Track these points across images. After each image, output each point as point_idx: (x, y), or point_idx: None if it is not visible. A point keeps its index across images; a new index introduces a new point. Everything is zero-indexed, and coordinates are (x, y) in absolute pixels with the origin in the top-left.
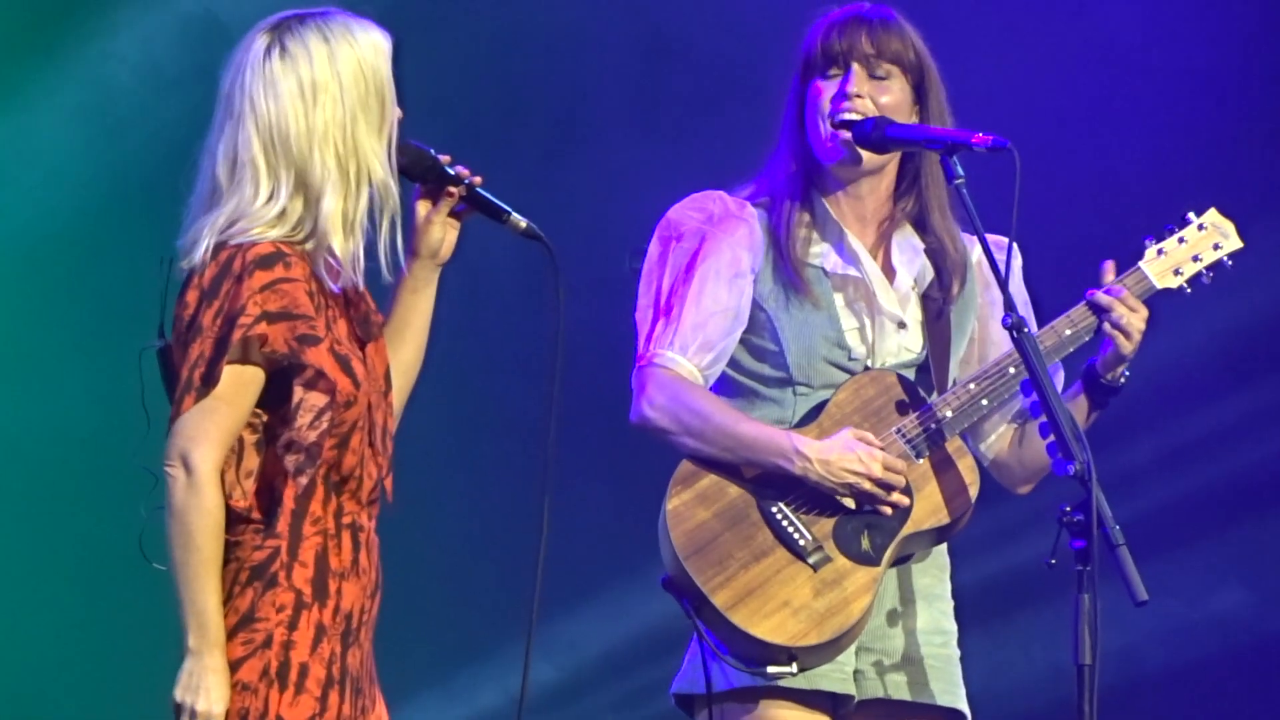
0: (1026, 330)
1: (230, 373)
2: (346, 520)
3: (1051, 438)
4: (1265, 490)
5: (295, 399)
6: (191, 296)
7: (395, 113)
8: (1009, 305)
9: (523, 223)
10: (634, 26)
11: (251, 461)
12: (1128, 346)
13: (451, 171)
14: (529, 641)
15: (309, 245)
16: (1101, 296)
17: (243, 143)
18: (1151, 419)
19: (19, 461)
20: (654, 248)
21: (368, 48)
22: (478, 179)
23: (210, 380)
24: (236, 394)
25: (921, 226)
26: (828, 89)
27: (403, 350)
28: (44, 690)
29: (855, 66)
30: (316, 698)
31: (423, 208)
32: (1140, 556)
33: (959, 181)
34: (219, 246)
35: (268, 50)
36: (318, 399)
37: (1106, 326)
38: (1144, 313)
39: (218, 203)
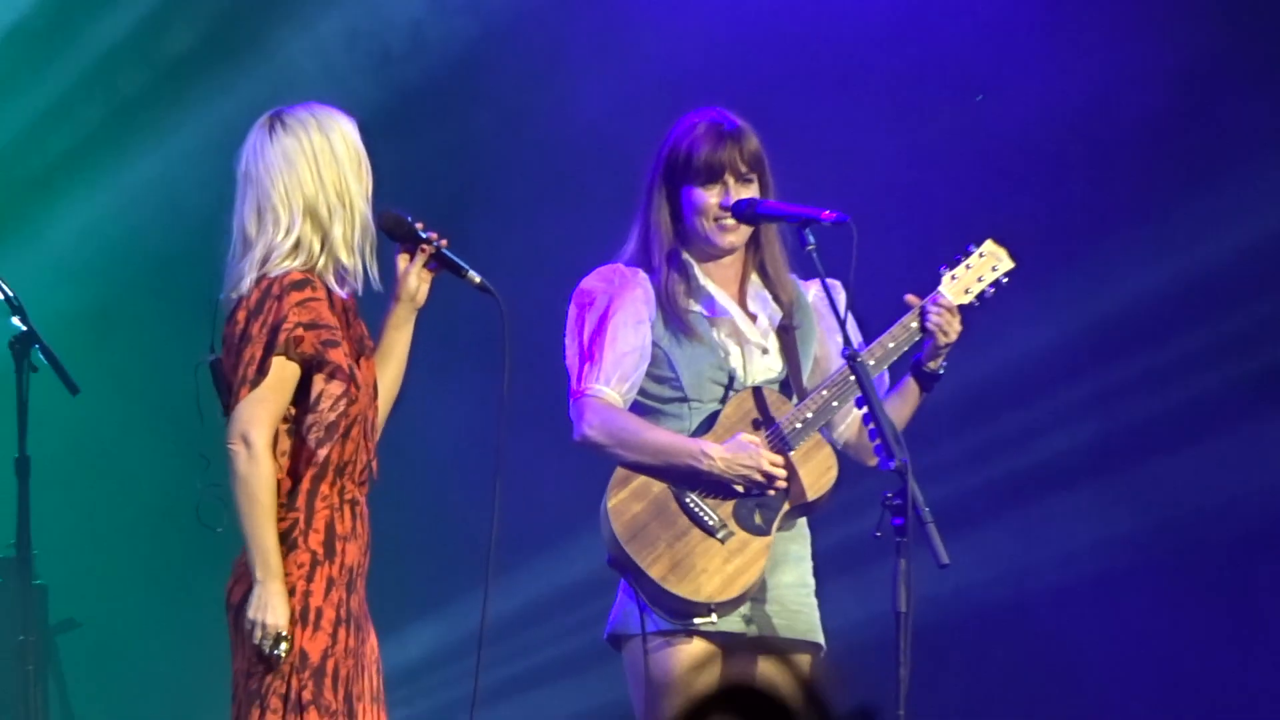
0: (860, 360)
1: (276, 365)
2: (348, 497)
3: (878, 441)
4: (1051, 478)
5: (317, 390)
6: (241, 315)
7: (370, 173)
8: (846, 340)
9: (477, 279)
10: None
11: (284, 444)
12: (944, 339)
13: (424, 235)
14: (485, 590)
15: (320, 267)
16: (931, 308)
17: (263, 196)
18: (956, 424)
19: (120, 458)
20: (572, 310)
21: (347, 126)
22: (444, 241)
23: (262, 372)
24: (281, 384)
25: (764, 275)
26: (709, 196)
27: (385, 374)
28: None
29: (731, 179)
30: (329, 634)
31: (402, 262)
32: (944, 529)
33: (810, 248)
34: (260, 278)
35: (272, 128)
36: (336, 388)
37: (929, 325)
38: (957, 314)
39: (249, 249)
